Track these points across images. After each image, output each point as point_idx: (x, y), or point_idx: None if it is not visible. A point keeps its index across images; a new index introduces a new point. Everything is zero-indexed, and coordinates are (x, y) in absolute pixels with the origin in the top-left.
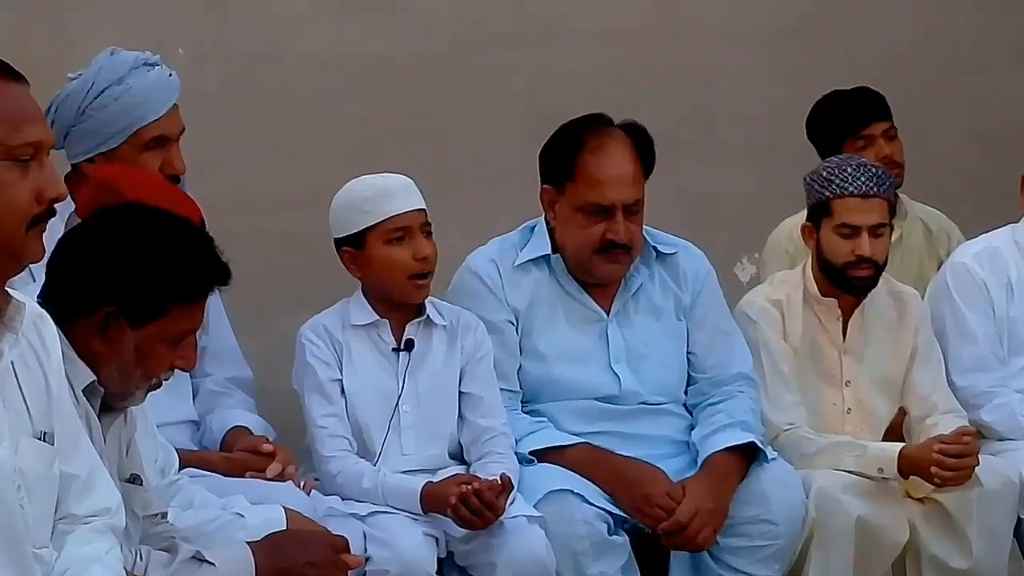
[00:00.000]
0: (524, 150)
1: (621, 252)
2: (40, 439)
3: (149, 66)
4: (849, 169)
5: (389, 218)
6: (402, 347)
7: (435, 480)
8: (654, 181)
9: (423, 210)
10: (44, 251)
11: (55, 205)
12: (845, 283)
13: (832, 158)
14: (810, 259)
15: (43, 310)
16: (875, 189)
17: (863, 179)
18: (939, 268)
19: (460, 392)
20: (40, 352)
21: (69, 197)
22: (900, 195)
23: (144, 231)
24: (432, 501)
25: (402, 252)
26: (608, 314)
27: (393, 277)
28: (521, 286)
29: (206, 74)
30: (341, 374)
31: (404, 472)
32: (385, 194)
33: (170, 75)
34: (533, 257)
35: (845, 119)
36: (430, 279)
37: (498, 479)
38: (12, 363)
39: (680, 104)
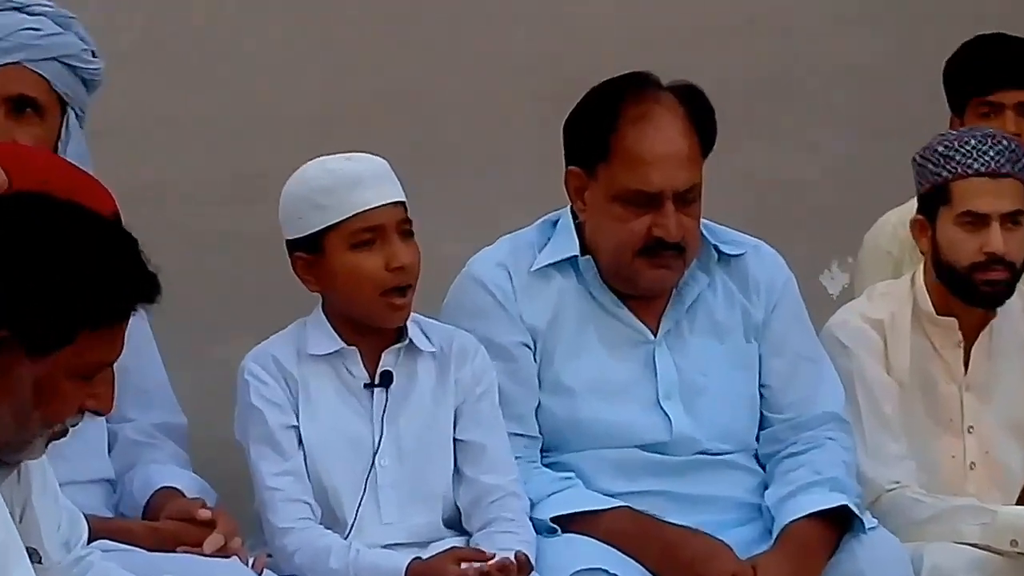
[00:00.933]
0: (540, 124)
1: (672, 253)
2: None
3: (20, 10)
4: (973, 142)
5: (354, 216)
6: (376, 382)
7: (425, 557)
8: (714, 162)
9: (401, 203)
10: None
11: None
12: (970, 292)
13: (950, 131)
14: (922, 265)
15: None
16: (1007, 167)
17: (991, 154)
18: None
19: (455, 440)
20: None
21: None
22: None
23: (43, 230)
24: None
25: (371, 260)
26: (655, 335)
27: (360, 293)
28: (540, 298)
29: (122, 25)
30: (297, 420)
31: (385, 547)
32: (349, 182)
33: (34, 29)
34: (556, 260)
35: (973, 74)
36: (410, 295)
37: (510, 557)
38: None
39: (745, 63)
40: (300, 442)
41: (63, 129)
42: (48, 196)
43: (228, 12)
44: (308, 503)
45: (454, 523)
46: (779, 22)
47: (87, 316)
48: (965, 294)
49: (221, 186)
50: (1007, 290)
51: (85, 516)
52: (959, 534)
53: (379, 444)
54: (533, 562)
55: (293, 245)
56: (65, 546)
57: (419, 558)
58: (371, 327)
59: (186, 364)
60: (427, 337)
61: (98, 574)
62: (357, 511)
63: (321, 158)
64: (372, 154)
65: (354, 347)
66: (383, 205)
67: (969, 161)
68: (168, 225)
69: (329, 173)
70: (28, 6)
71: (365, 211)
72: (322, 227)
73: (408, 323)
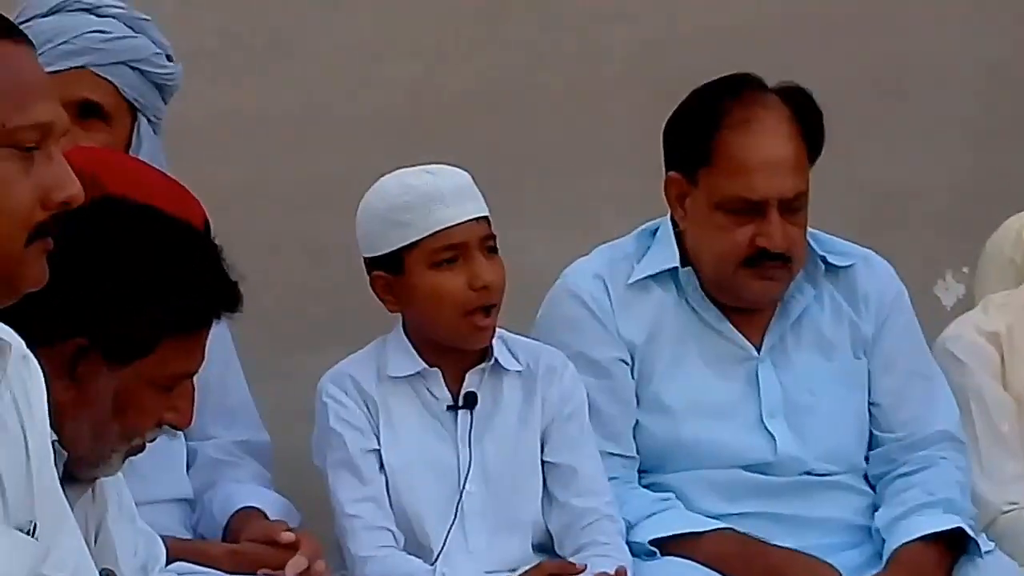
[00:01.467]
0: (640, 126)
1: (777, 264)
2: (23, 531)
3: (89, 12)
4: None
5: (435, 233)
6: (460, 404)
7: None
8: (822, 168)
9: (484, 218)
10: (47, 273)
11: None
12: None
13: None
14: None
15: (27, 350)
16: None
17: None
18: None
19: (544, 462)
20: (23, 407)
21: None
22: None
23: (129, 237)
24: None
25: (453, 279)
26: (759, 351)
27: (442, 314)
28: (638, 312)
29: (201, 22)
30: (379, 443)
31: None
32: (428, 199)
33: (101, 31)
34: (655, 272)
35: None
36: (495, 314)
37: (608, 571)
38: None
39: (858, 61)
40: (381, 467)
41: (134, 135)
42: (128, 201)
43: (307, 9)
44: (390, 530)
45: (545, 548)
46: (896, 15)
47: (168, 324)
48: None
49: (306, 190)
50: None
51: (162, 537)
52: None
53: (468, 470)
54: None
55: (372, 263)
56: (142, 570)
57: None
58: (454, 348)
59: (269, 377)
60: (513, 355)
61: None
62: (446, 539)
63: (399, 171)
64: (456, 162)
65: (436, 368)
66: (465, 222)
67: None
68: (251, 231)
69: (408, 189)
70: (98, 7)
71: (446, 228)
72: (401, 245)
73: (493, 341)
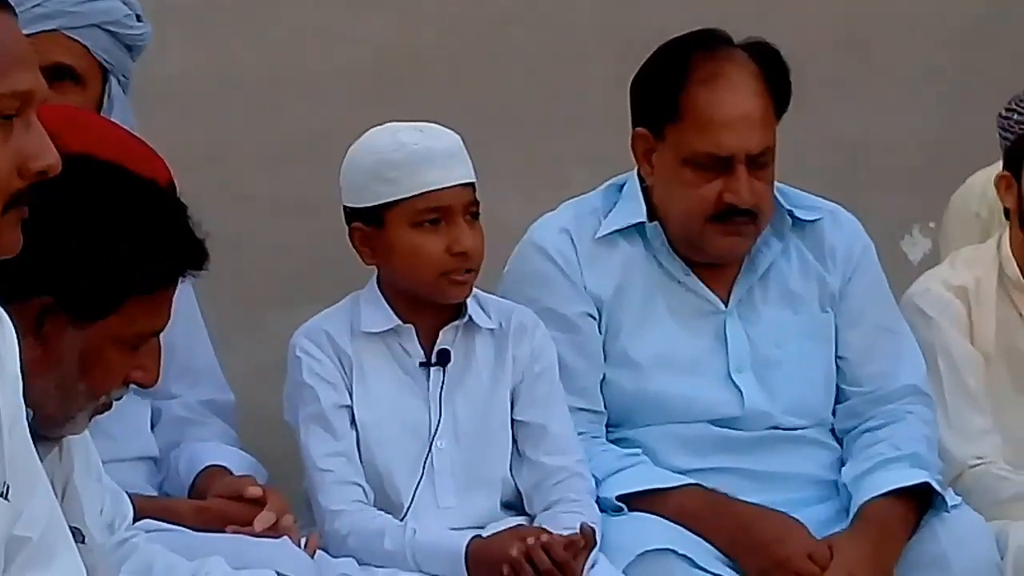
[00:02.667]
0: (604, 81)
1: (744, 220)
2: None
3: None
4: None
5: (421, 194)
6: (433, 360)
7: (485, 535)
8: (789, 123)
9: (470, 184)
10: (21, 240)
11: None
12: None
13: None
14: (1008, 230)
15: (0, 309)
16: None
17: None
18: None
19: (515, 420)
20: None
21: None
22: None
23: (93, 195)
24: (482, 561)
25: (434, 241)
26: (726, 304)
27: (420, 272)
28: (606, 266)
29: None
30: (351, 399)
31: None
32: (419, 159)
33: None
34: (622, 227)
35: None
36: (473, 275)
37: (576, 531)
38: None
39: (825, 16)
40: (353, 422)
41: (105, 96)
42: (93, 158)
43: None
44: (360, 485)
45: (513, 505)
46: None
47: (133, 282)
48: None
49: (275, 148)
50: None
51: (129, 495)
52: None
53: (437, 425)
54: (598, 540)
55: (352, 214)
56: (109, 527)
57: (479, 536)
58: (429, 303)
59: (238, 335)
60: (486, 313)
61: (143, 556)
62: (414, 495)
63: (392, 125)
64: (426, 119)
65: (410, 325)
66: (452, 186)
67: None
68: (220, 189)
69: (400, 146)
70: None
71: (433, 191)
72: (384, 201)
73: (468, 299)
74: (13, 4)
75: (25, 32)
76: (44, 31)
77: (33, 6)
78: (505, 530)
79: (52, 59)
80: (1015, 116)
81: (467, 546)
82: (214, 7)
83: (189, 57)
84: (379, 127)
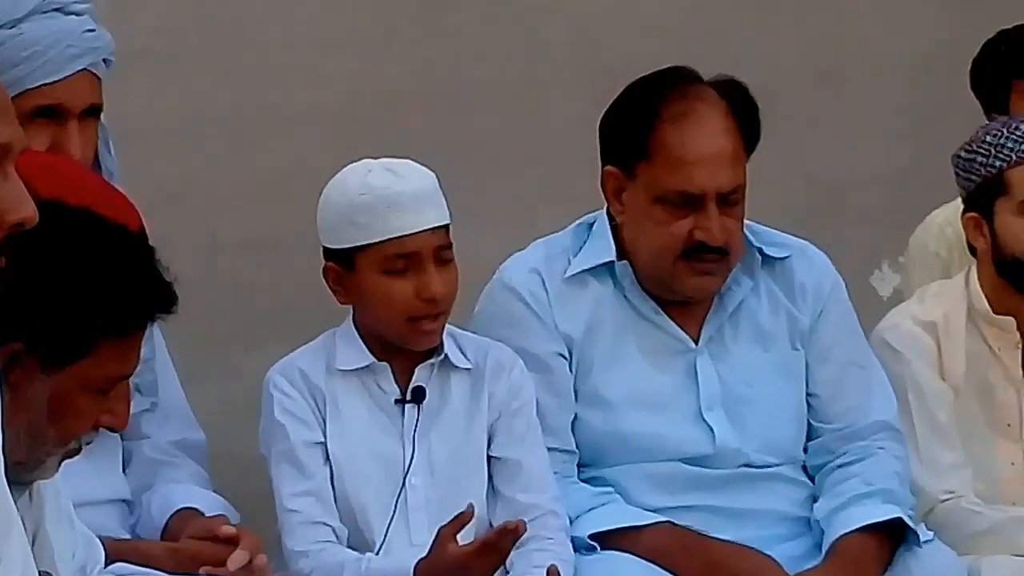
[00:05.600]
0: (577, 119)
1: (715, 257)
2: None
3: (61, 12)
4: (1023, 128)
5: (389, 240)
6: (408, 398)
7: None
8: (759, 161)
9: (444, 227)
10: None
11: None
12: None
13: (994, 121)
14: (976, 266)
15: None
16: None
17: None
18: None
19: (490, 457)
20: None
21: None
22: None
23: (63, 240)
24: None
25: (402, 287)
26: (697, 343)
27: (388, 317)
28: (576, 306)
29: (141, 17)
30: (324, 436)
31: None
32: (386, 203)
33: (90, 31)
34: (592, 266)
35: (1019, 59)
36: (442, 319)
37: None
38: None
39: (796, 54)
40: (327, 459)
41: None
42: (63, 204)
43: (245, 6)
44: (329, 525)
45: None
46: (833, 6)
47: (102, 327)
48: None
49: (243, 187)
50: None
51: (101, 539)
52: (1018, 546)
53: (410, 462)
54: None
55: (327, 254)
56: (81, 571)
57: (424, 558)
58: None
59: (209, 375)
60: (462, 352)
61: None
62: (387, 532)
63: (366, 164)
64: (404, 151)
65: (385, 363)
66: (421, 231)
67: (1023, 147)
68: (188, 228)
69: (368, 189)
70: (68, 5)
71: (401, 236)
72: (355, 245)
73: (444, 337)
74: (43, 47)
75: (63, 74)
76: (78, 71)
77: (66, 47)
78: (434, 540)
79: (89, 100)
80: (979, 158)
81: (415, 568)
82: (181, 46)
83: (156, 96)
84: (355, 164)
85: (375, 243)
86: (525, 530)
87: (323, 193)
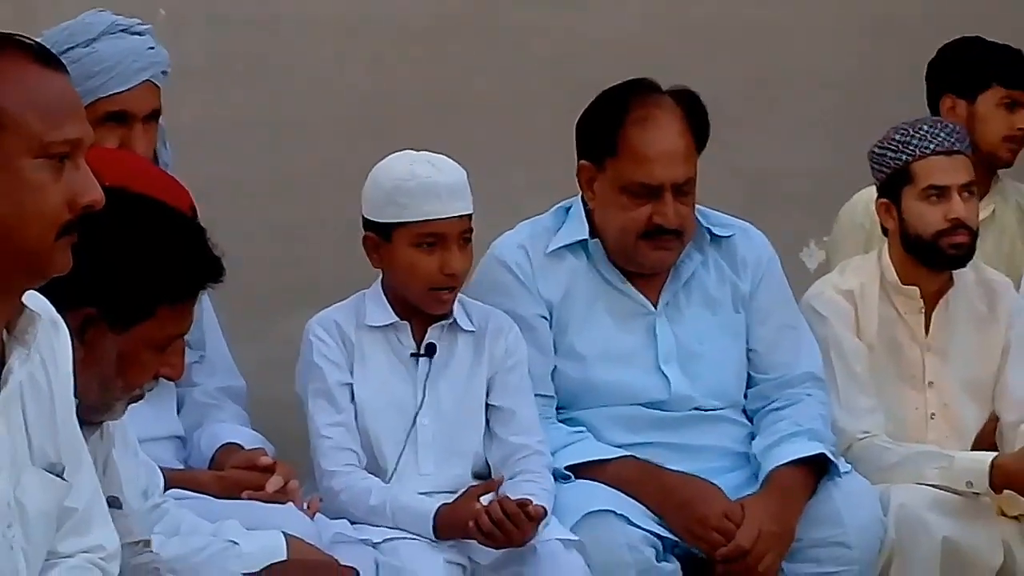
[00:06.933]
0: (555, 123)
1: (670, 237)
2: (51, 472)
3: (127, 32)
4: (925, 127)
5: (422, 221)
6: (422, 352)
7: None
8: (708, 156)
9: (468, 216)
10: (71, 262)
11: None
12: (937, 257)
13: (902, 122)
14: (887, 244)
15: (58, 315)
16: (957, 145)
17: (943, 135)
18: None
19: (488, 405)
20: (50, 367)
21: None
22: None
23: (128, 221)
24: (447, 525)
25: (428, 261)
26: (656, 307)
27: (413, 284)
28: (555, 276)
29: (191, 42)
30: (352, 378)
31: (422, 494)
32: (426, 191)
33: (151, 48)
34: (568, 243)
35: (1004, 69)
36: (456, 292)
37: (533, 497)
38: (20, 383)
39: (737, 68)
40: (352, 398)
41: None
42: (127, 190)
43: (278, 32)
44: (355, 451)
45: (483, 475)
46: (769, 33)
47: (162, 294)
48: (932, 260)
49: (281, 182)
50: (970, 252)
51: (160, 468)
52: (922, 477)
53: (421, 405)
54: (550, 508)
55: (367, 224)
56: (143, 495)
57: (446, 503)
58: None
59: (249, 338)
60: (468, 317)
61: (172, 519)
62: (398, 461)
63: (410, 155)
64: (411, 149)
65: (406, 322)
66: (451, 217)
67: (925, 143)
68: (231, 216)
69: (413, 176)
70: (131, 27)
71: (433, 220)
72: (395, 221)
73: (454, 304)
74: (113, 62)
75: (129, 85)
76: (142, 82)
77: (132, 62)
78: (463, 493)
79: (151, 106)
80: (889, 153)
81: (436, 511)
82: (224, 66)
83: (204, 106)
84: (399, 153)
85: (412, 222)
86: (546, 513)
87: (372, 172)
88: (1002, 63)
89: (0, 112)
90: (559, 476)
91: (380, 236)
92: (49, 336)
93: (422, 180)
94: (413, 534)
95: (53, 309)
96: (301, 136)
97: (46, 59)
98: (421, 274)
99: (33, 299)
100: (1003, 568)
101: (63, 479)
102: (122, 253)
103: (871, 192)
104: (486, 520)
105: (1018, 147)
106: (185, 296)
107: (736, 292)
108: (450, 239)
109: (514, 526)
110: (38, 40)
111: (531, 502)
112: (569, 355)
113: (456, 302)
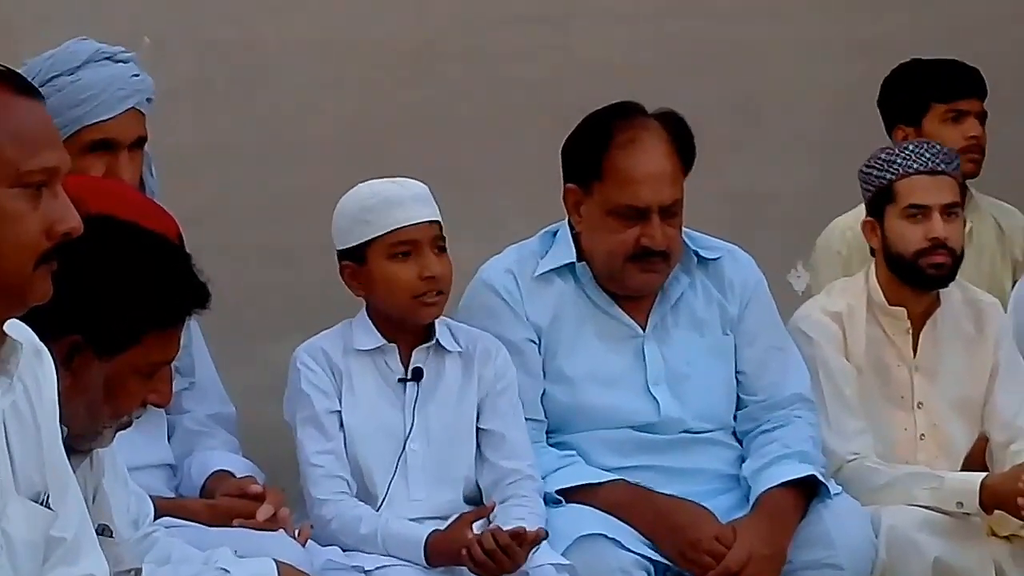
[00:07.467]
0: (542, 146)
1: (658, 260)
2: (37, 501)
3: (111, 60)
4: (911, 147)
5: (392, 231)
6: (409, 376)
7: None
8: (694, 179)
9: (436, 222)
10: (51, 290)
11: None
12: (918, 276)
13: (890, 143)
14: (874, 264)
15: (41, 344)
16: (942, 166)
17: (928, 155)
18: (1014, 272)
19: (479, 429)
20: (33, 396)
21: None
22: (969, 187)
23: (114, 248)
24: (439, 552)
25: (406, 269)
26: (644, 329)
27: (395, 297)
28: (543, 299)
29: (177, 66)
30: (340, 406)
31: (413, 520)
32: (389, 203)
33: (136, 75)
34: (556, 266)
35: (938, 86)
36: (442, 298)
37: (523, 522)
38: (3, 412)
39: (722, 90)
40: (341, 425)
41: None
42: (112, 218)
43: (264, 53)
44: (345, 479)
45: (474, 501)
46: (752, 53)
47: (149, 321)
48: (914, 280)
49: (268, 206)
50: (950, 273)
51: (150, 497)
52: (912, 497)
53: (410, 431)
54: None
55: (342, 255)
56: (133, 523)
57: (438, 529)
58: (405, 327)
59: (236, 363)
60: (454, 339)
61: (163, 548)
62: (389, 488)
63: (372, 181)
64: (399, 174)
65: (393, 344)
66: (418, 223)
67: (909, 163)
68: (219, 240)
69: (374, 194)
70: (115, 55)
71: (401, 227)
72: (364, 240)
73: (437, 325)
74: (97, 90)
75: (114, 112)
76: (127, 110)
77: (117, 90)
78: (454, 520)
79: (136, 133)
80: (874, 172)
81: (427, 538)
82: (210, 90)
83: (190, 130)
84: (362, 183)
85: (382, 235)
86: (546, 535)
87: (337, 206)
88: (937, 80)
89: None
90: (550, 500)
91: (355, 261)
92: (32, 365)
93: (384, 195)
94: (405, 561)
95: (36, 338)
96: (288, 161)
97: (19, 87)
98: (402, 284)
99: (15, 328)
100: None
101: (49, 508)
102: (108, 281)
103: (847, 219)
104: (478, 550)
105: (978, 156)
106: (172, 323)
107: (724, 314)
108: (423, 244)
109: (506, 556)
110: (22, 69)
111: (525, 530)
112: (558, 379)
113: (442, 323)
